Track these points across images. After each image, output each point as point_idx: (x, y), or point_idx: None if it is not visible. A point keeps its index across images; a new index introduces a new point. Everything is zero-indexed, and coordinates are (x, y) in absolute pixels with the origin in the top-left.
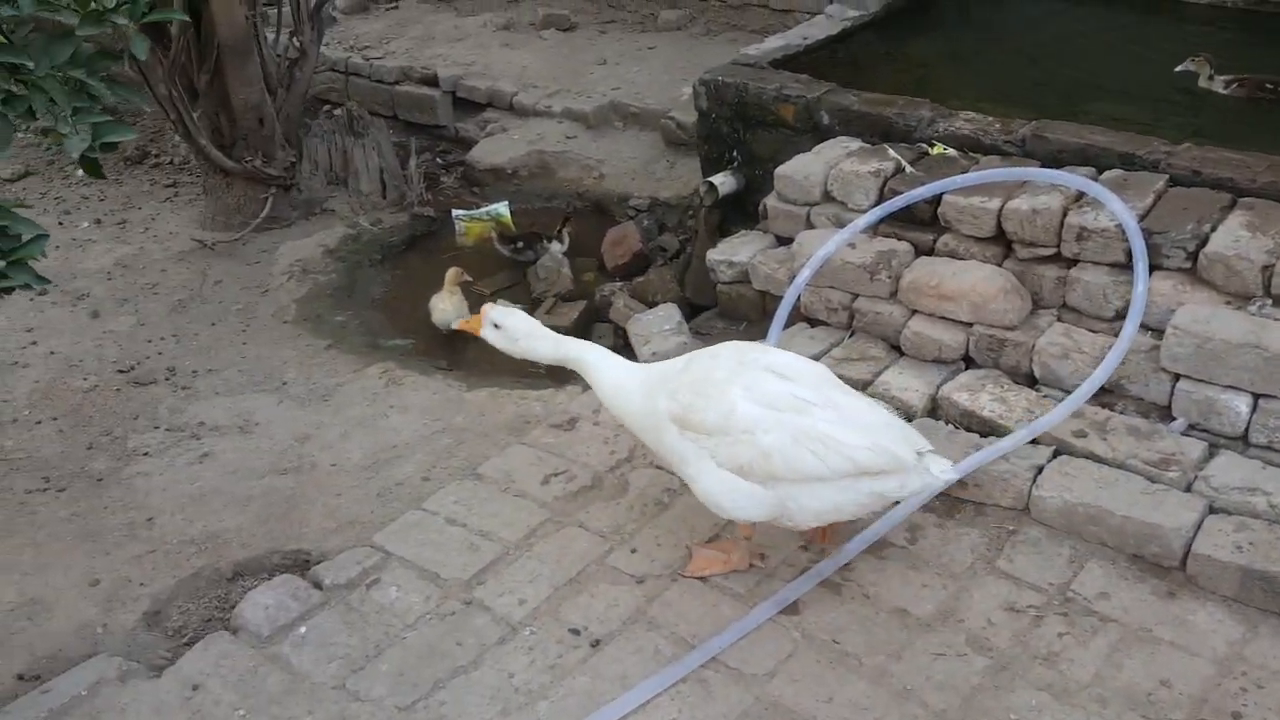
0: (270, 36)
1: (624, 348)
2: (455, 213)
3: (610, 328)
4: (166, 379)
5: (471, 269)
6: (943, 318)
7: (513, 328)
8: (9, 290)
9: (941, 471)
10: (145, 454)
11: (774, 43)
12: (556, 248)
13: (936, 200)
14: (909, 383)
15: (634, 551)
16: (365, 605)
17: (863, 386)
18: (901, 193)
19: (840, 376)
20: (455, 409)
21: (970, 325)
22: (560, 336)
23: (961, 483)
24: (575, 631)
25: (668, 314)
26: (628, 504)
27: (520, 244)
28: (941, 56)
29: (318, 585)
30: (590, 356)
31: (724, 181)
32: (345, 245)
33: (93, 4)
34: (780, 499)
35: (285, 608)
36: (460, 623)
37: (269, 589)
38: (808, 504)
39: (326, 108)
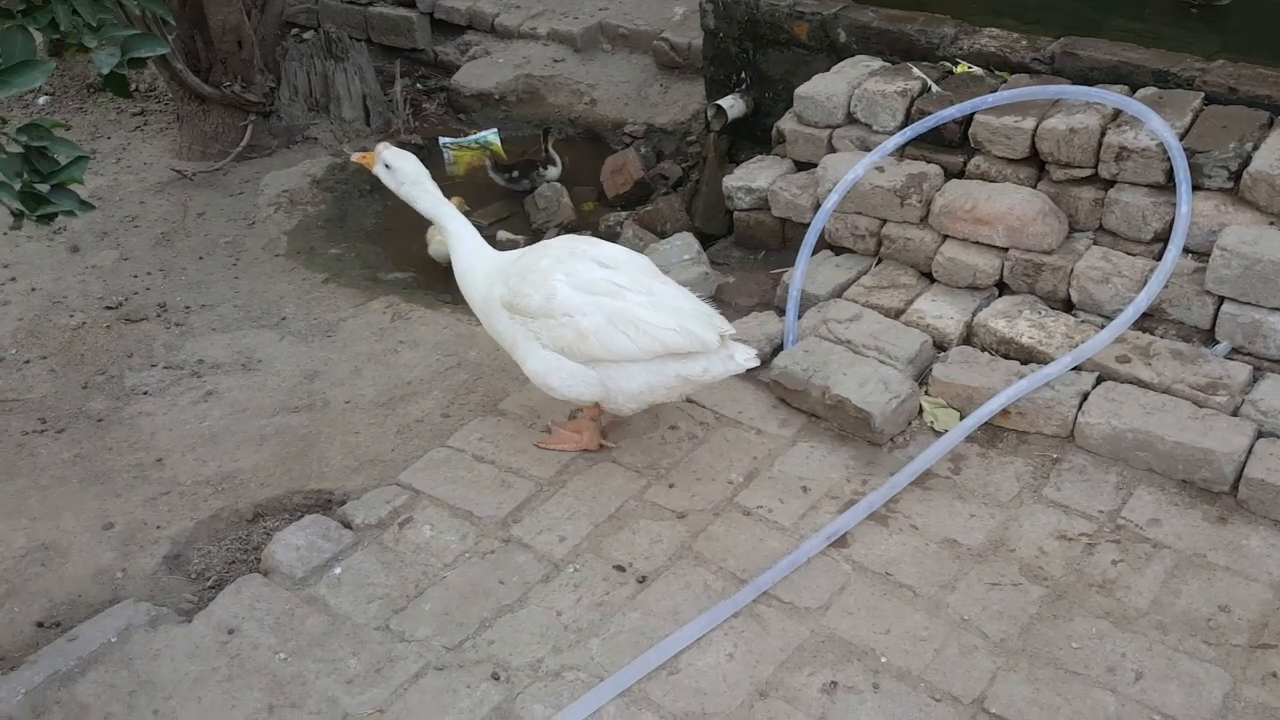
0: None
1: None
2: (443, 141)
3: None
4: (158, 315)
5: (465, 199)
6: (976, 242)
7: (400, 170)
8: (52, 216)
9: (745, 359)
10: (145, 393)
11: None
12: (553, 172)
13: (966, 121)
14: (943, 310)
15: (672, 487)
16: (400, 545)
17: (895, 315)
18: (930, 113)
19: (870, 305)
20: (467, 344)
21: (1005, 250)
22: (441, 199)
23: (1004, 411)
24: (620, 568)
25: (685, 243)
26: (660, 438)
27: (515, 172)
28: None
29: (348, 525)
30: (455, 229)
31: (733, 105)
32: (332, 175)
33: None
34: (603, 381)
35: (317, 548)
36: (501, 561)
37: (298, 529)
38: (624, 385)
39: (295, 31)
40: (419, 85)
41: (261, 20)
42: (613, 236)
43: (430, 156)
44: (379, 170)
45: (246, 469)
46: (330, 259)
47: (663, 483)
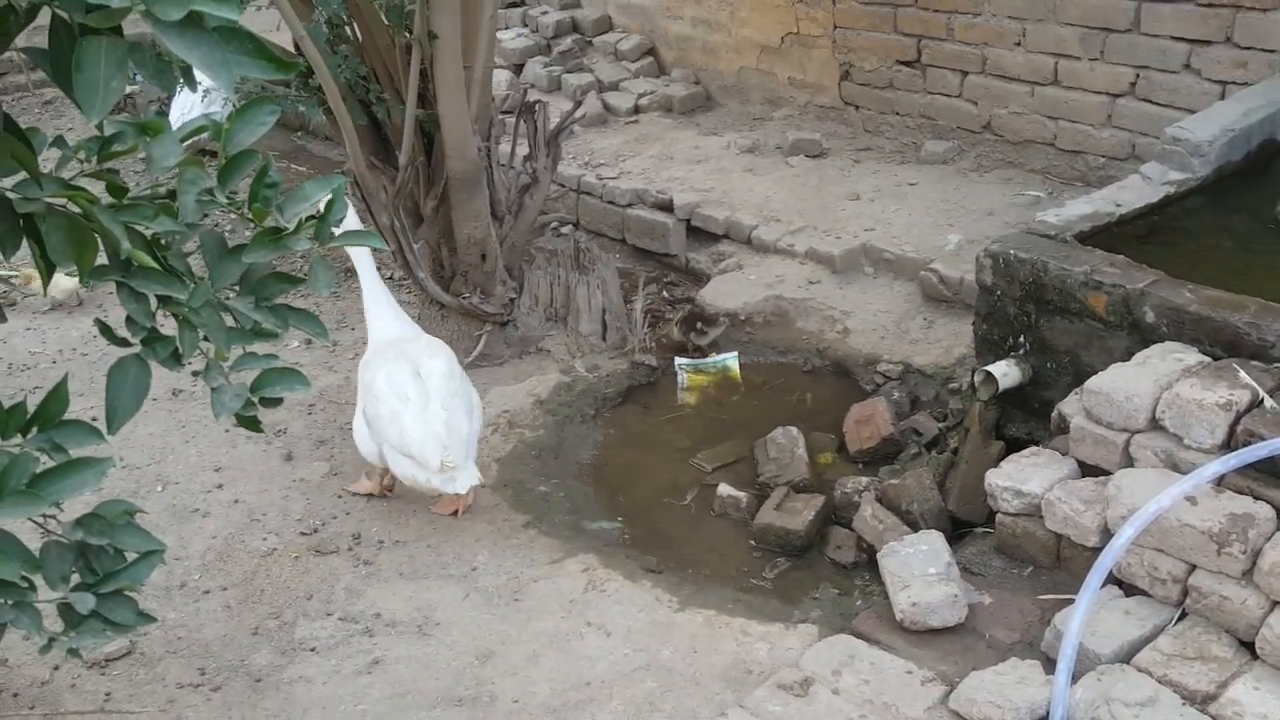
0: (504, 149)
1: (867, 566)
2: (679, 361)
3: (853, 539)
4: (349, 548)
5: (693, 433)
6: None
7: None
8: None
9: (463, 485)
10: (312, 649)
11: (1078, 209)
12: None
13: None
14: (1269, 706)
15: None
16: None
17: (1202, 701)
18: (1262, 437)
19: (1168, 682)
20: (663, 637)
21: None
22: (370, 278)
23: None
24: None
25: (933, 550)
26: None
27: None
28: None
29: None
30: (371, 295)
31: (1006, 373)
32: (557, 395)
33: (270, 219)
34: (380, 454)
35: None
36: None
37: None
38: (392, 463)
39: (555, 226)
40: (664, 294)
41: (515, 226)
42: (849, 506)
43: (663, 378)
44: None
45: None
46: (536, 497)
47: None
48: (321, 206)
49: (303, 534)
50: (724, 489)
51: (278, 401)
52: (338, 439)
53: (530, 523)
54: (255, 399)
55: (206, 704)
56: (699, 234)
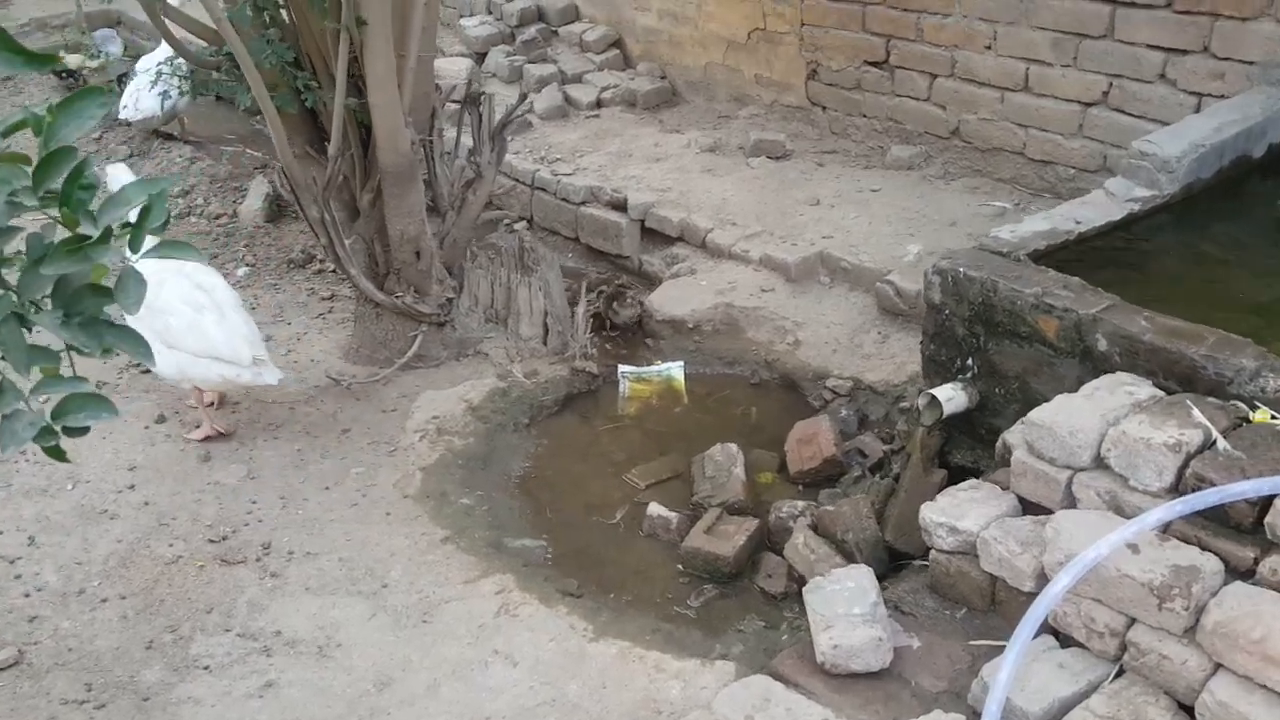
0: (450, 137)
1: (798, 596)
2: (622, 369)
3: (785, 567)
4: (257, 559)
5: (630, 446)
6: (1264, 686)
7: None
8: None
9: (271, 378)
10: (205, 668)
11: (1035, 225)
12: None
13: (1263, 502)
14: None
15: None
16: None
17: None
18: (1212, 482)
19: None
20: (572, 669)
21: None
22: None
23: None
24: None
25: (860, 588)
26: None
27: None
28: (1263, 267)
29: None
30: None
31: (951, 397)
32: (491, 401)
33: (77, 227)
34: (179, 364)
35: None
36: None
37: None
38: (192, 371)
39: (507, 222)
40: (615, 304)
41: (457, 222)
42: (782, 532)
43: (604, 386)
44: None
45: None
46: (458, 511)
47: None
48: (134, 215)
49: (211, 541)
50: (654, 508)
51: (83, 431)
52: (258, 442)
53: (449, 538)
54: (58, 428)
55: None
56: (654, 235)
